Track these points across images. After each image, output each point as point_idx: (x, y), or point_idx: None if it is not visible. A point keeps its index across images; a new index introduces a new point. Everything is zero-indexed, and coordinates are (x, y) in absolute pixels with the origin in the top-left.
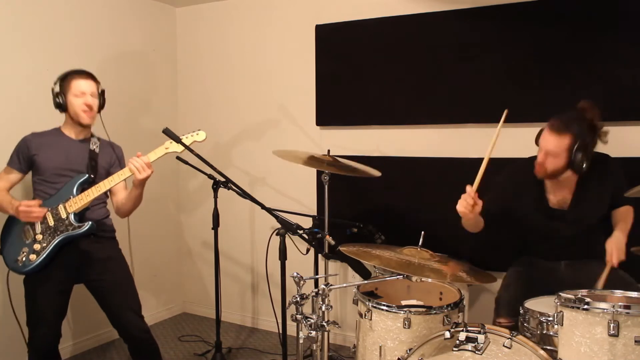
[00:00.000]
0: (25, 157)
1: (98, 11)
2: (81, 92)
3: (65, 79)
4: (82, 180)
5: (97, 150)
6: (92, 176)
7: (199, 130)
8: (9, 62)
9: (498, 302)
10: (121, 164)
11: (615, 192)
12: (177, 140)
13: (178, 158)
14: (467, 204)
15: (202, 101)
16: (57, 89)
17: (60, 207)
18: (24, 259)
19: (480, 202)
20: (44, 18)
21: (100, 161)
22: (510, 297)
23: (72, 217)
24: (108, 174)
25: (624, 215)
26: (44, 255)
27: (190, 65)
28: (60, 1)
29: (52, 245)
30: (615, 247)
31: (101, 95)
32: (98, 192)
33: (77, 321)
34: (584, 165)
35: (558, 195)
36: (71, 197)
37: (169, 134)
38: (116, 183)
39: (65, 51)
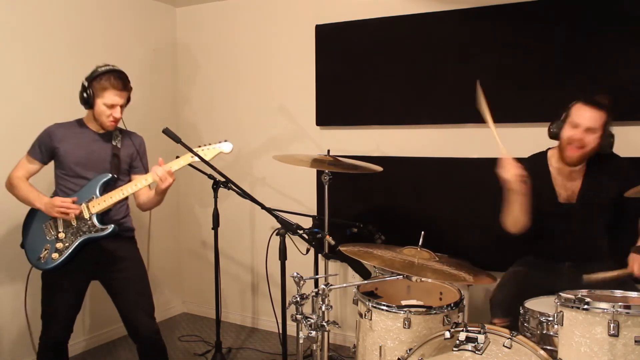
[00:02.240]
0: (48, 148)
1: (98, 11)
2: (111, 104)
3: (99, 81)
4: (105, 180)
5: (119, 145)
6: (115, 176)
7: (225, 140)
8: (9, 62)
9: (492, 303)
10: (141, 156)
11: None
12: (177, 140)
13: (178, 158)
14: (514, 169)
15: (202, 101)
16: (87, 85)
17: (83, 207)
18: (46, 256)
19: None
20: (43, 18)
21: (123, 156)
22: (504, 296)
23: (94, 218)
24: (130, 167)
25: None
26: (66, 255)
27: (190, 65)
28: (60, 1)
29: (75, 245)
30: (637, 262)
31: (129, 93)
32: (121, 196)
33: (90, 317)
34: (611, 147)
35: (568, 190)
36: (94, 197)
37: (169, 134)
38: (139, 189)
39: (64, 51)
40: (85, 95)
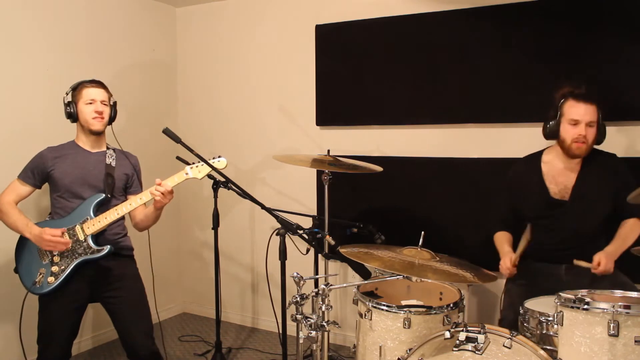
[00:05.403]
0: (41, 172)
1: (98, 11)
2: (91, 100)
3: (76, 89)
4: (98, 200)
5: (113, 163)
6: (108, 195)
7: (220, 157)
8: (9, 62)
9: (502, 325)
10: (139, 178)
11: (622, 195)
12: (177, 140)
13: (178, 158)
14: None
15: (202, 101)
16: (68, 98)
17: (78, 228)
18: (41, 280)
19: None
20: (42, 18)
21: (117, 175)
22: (514, 318)
23: (90, 240)
24: (125, 188)
25: (627, 231)
26: (62, 278)
27: (190, 65)
28: (60, 1)
29: (70, 268)
30: (604, 258)
31: (112, 106)
32: (116, 216)
33: (90, 317)
34: (605, 136)
35: (560, 184)
36: (88, 218)
37: (169, 134)
38: (134, 207)
39: (64, 51)
40: (68, 108)
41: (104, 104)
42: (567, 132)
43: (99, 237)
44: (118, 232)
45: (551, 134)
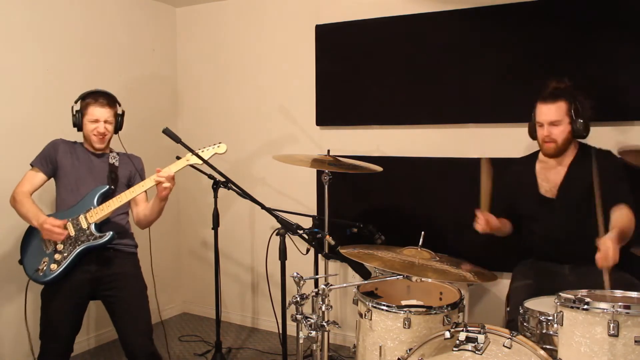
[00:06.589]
0: (52, 160)
1: (98, 11)
2: (95, 119)
3: (84, 101)
4: (102, 191)
5: (116, 163)
6: (112, 187)
7: (220, 142)
8: (8, 61)
9: (510, 327)
10: (141, 176)
11: (611, 185)
12: (177, 140)
13: (178, 158)
14: (481, 225)
15: (202, 101)
16: (76, 107)
17: (81, 218)
18: (44, 268)
19: (491, 218)
20: (43, 18)
21: (120, 173)
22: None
23: (92, 227)
24: (128, 186)
25: (618, 220)
26: (65, 265)
27: (190, 65)
28: (59, 1)
29: (73, 255)
30: (603, 249)
31: (121, 116)
32: (119, 203)
33: (91, 316)
34: (587, 130)
35: (551, 182)
36: (92, 207)
37: (168, 133)
38: (137, 194)
39: (64, 51)
40: (75, 118)
41: (108, 123)
42: (538, 134)
43: (102, 227)
44: (122, 226)
45: (532, 135)
